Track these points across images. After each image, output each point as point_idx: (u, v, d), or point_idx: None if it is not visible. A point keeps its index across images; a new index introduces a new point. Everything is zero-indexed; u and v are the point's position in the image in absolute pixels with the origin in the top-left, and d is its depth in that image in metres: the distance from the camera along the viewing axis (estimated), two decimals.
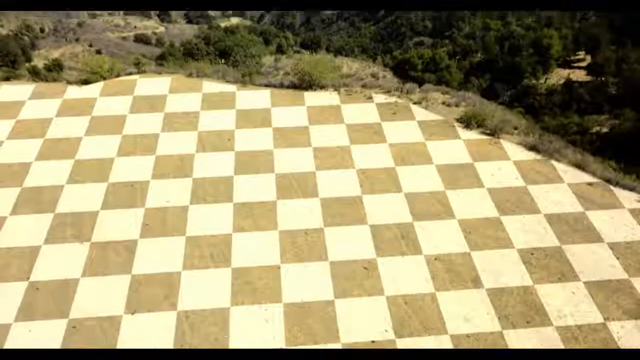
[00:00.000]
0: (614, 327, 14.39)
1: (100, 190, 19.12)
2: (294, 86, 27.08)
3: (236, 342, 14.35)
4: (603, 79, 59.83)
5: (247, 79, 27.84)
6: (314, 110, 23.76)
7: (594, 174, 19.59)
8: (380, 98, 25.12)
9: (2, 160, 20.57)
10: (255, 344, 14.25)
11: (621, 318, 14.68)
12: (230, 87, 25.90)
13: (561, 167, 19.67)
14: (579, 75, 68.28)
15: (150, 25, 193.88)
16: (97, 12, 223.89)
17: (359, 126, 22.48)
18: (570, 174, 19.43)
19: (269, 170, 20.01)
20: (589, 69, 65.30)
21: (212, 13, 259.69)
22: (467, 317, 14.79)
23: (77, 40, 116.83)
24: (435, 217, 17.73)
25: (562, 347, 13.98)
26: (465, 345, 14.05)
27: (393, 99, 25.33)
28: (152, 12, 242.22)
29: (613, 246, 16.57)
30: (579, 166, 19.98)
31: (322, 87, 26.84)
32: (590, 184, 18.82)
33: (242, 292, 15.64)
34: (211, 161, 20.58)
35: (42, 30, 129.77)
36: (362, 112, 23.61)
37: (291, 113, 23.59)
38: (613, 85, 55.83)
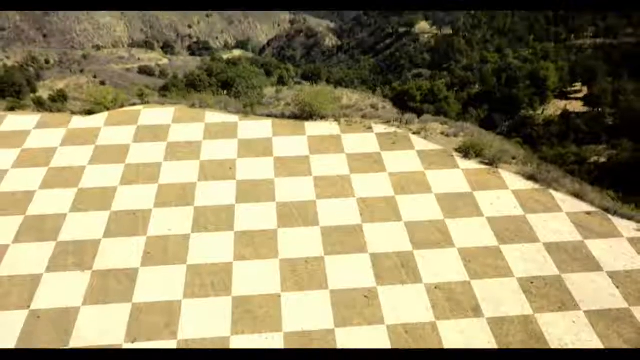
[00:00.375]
0: None
1: (103, 219, 19.22)
2: (295, 116, 27.49)
3: None
4: (600, 109, 60.58)
5: (248, 110, 28.28)
6: (315, 140, 24.08)
7: (592, 203, 19.74)
8: (379, 128, 25.47)
9: (6, 189, 20.75)
10: None
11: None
12: (233, 118, 26.28)
13: (559, 197, 19.84)
14: (576, 107, 69.11)
15: (153, 57, 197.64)
16: (102, 44, 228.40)
17: (359, 155, 22.75)
18: (569, 203, 19.57)
19: (270, 199, 20.16)
20: (585, 100, 66.18)
21: (214, 45, 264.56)
22: (468, 345, 14.74)
23: (81, 71, 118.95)
24: (435, 246, 17.79)
25: None
26: None
27: (392, 129, 25.68)
28: (156, 44, 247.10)
29: (612, 275, 16.60)
30: (577, 195, 20.15)
31: (323, 118, 27.25)
32: (588, 213, 18.96)
33: (243, 321, 15.60)
34: (213, 190, 20.74)
35: (47, 62, 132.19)
36: (362, 141, 23.93)
37: (292, 143, 23.91)
38: (610, 116, 56.54)
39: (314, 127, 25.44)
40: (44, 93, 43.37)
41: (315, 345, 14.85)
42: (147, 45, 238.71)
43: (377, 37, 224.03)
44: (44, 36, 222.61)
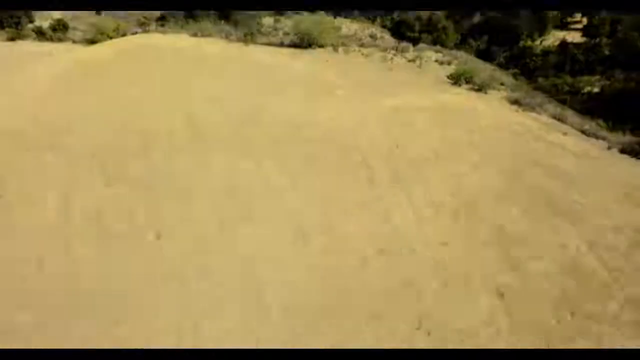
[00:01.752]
0: None
1: None
2: (294, 45, 28.41)
3: None
4: (597, 40, 60.69)
5: (249, 38, 29.16)
6: (315, 62, 24.97)
7: (572, 125, 21.18)
8: (377, 56, 26.49)
9: None
10: None
11: None
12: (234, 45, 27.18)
13: (541, 119, 21.22)
14: (575, 37, 68.72)
15: None
16: None
17: None
18: (549, 126, 20.95)
19: None
20: (584, 31, 65.95)
21: None
22: None
23: None
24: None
25: None
26: None
27: (389, 57, 26.71)
28: None
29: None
30: (559, 119, 21.56)
31: (321, 46, 28.15)
32: (565, 133, 20.38)
33: None
34: None
35: None
36: (359, 66, 25.02)
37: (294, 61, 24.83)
38: (606, 46, 56.70)
39: (312, 54, 26.36)
40: (42, 23, 43.76)
41: None
42: None
43: None
44: None
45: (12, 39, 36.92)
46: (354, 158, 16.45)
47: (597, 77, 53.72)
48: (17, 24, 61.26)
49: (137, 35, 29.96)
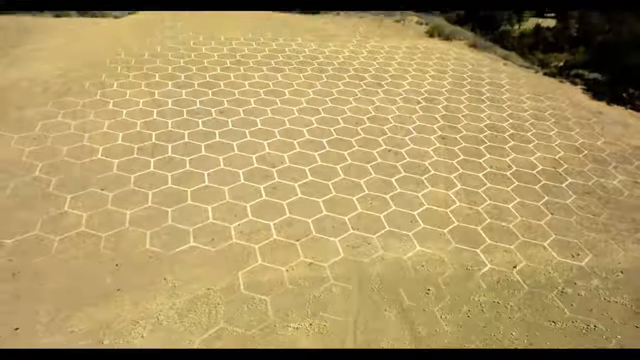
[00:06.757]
0: None
1: None
2: (302, 12, 35.22)
3: None
4: (566, 24, 67.57)
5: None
6: (322, 21, 31.77)
7: (514, 62, 27.95)
8: (369, 18, 33.28)
9: None
10: None
11: None
12: None
13: (490, 56, 27.98)
14: (550, 23, 76.20)
15: None
16: None
17: (353, 31, 30.63)
18: (496, 60, 27.68)
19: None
20: (556, 16, 73.00)
21: None
22: None
23: None
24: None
25: None
26: None
27: (379, 18, 33.50)
28: None
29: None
30: (505, 58, 28.33)
31: (325, 12, 34.94)
32: (505, 64, 27.14)
33: None
34: None
35: None
36: (355, 24, 31.78)
37: (306, 21, 31.60)
38: (574, 28, 63.69)
39: (317, 18, 33.13)
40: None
41: None
42: None
43: None
44: None
45: (57, 16, 43.06)
46: (350, 72, 23.23)
47: (565, 54, 60.66)
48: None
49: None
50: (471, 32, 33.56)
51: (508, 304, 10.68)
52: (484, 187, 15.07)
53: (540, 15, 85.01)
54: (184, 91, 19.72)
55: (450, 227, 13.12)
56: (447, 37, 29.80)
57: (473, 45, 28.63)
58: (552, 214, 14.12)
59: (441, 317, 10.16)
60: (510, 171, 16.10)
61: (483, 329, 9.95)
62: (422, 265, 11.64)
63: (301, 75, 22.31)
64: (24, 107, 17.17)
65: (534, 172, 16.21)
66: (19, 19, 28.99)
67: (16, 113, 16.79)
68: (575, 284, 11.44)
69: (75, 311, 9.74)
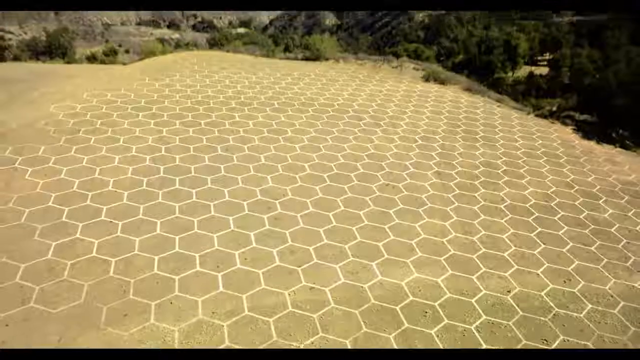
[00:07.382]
0: None
1: None
2: (306, 58, 36.80)
3: None
4: (558, 71, 69.89)
5: (271, 53, 37.66)
6: (323, 67, 33.19)
7: (507, 105, 29.05)
8: (368, 65, 34.75)
9: None
10: None
11: None
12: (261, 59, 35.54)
13: (484, 99, 29.10)
14: (542, 71, 78.51)
15: (164, 32, 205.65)
16: (111, 23, 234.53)
17: (353, 76, 31.94)
18: (490, 104, 28.79)
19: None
20: (549, 64, 75.54)
21: (218, 24, 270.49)
22: None
23: (106, 41, 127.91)
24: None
25: None
26: None
27: (378, 65, 34.97)
28: (162, 23, 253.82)
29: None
30: (499, 101, 29.46)
31: (327, 59, 36.48)
32: (499, 105, 28.19)
33: None
34: None
35: (75, 33, 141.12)
36: (355, 69, 33.18)
37: (307, 66, 33.01)
38: (566, 76, 65.79)
39: (320, 64, 34.62)
40: (85, 51, 52.93)
41: None
42: (154, 24, 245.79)
43: (375, 17, 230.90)
44: (56, 14, 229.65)
45: (68, 63, 45.22)
46: (350, 112, 24.23)
47: (557, 100, 62.45)
48: (64, 53, 70.82)
49: (184, 51, 38.41)
50: (466, 78, 34.96)
51: (502, 324, 11.05)
52: (479, 219, 15.63)
53: (534, 63, 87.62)
54: (191, 129, 20.58)
55: (447, 255, 13.60)
56: (443, 82, 31.06)
57: (468, 89, 29.84)
58: (544, 244, 14.62)
59: (438, 337, 10.53)
60: (504, 204, 16.70)
61: (479, 347, 10.29)
62: (420, 290, 12.07)
63: (303, 115, 23.25)
64: (39, 144, 17.96)
65: (527, 205, 16.81)
66: (33, 66, 30.41)
67: (31, 149, 17.57)
68: (567, 307, 11.84)
69: (82, 333, 10.12)
